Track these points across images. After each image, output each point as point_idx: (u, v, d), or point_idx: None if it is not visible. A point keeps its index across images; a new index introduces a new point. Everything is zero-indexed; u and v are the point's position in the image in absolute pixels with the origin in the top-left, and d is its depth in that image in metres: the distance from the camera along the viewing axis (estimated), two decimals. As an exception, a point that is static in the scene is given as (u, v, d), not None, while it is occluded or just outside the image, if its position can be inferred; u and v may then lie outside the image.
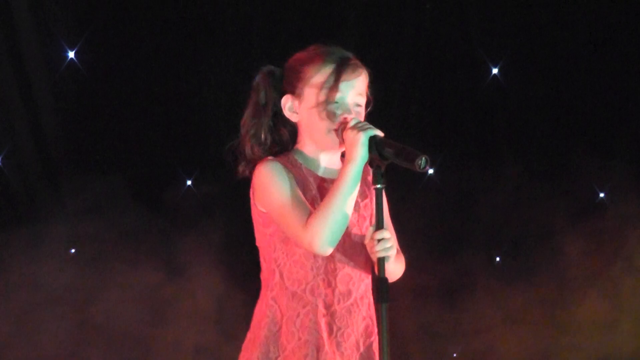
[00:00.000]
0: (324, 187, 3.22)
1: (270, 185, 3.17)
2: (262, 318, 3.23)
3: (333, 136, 3.21)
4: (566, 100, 5.37)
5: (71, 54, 5.33)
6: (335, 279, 3.21)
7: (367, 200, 3.28)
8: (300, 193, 3.17)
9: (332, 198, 3.10)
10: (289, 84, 3.26)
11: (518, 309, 5.31)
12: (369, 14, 5.40)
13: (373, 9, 5.40)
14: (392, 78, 5.39)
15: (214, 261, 5.26)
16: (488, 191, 5.35)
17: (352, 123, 3.15)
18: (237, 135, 3.31)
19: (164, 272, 5.24)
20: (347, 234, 3.17)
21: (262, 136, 3.27)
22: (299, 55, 3.29)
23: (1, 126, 5.27)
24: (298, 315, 3.20)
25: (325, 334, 3.20)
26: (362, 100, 3.26)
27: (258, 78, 3.30)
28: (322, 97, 3.20)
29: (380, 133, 3.13)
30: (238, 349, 3.30)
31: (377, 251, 3.10)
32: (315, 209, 3.13)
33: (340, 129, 3.18)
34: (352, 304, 3.24)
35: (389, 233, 3.13)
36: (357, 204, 3.20)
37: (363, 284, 3.26)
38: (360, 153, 3.10)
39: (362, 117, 3.24)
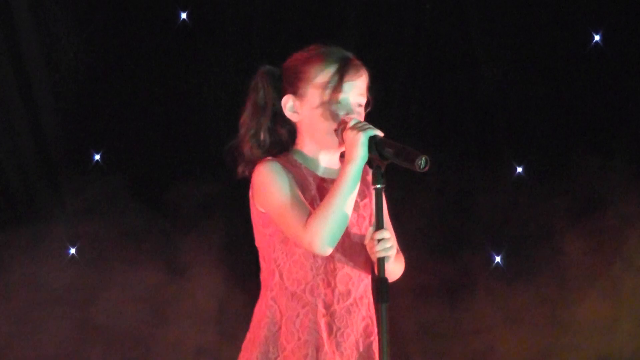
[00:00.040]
0: (323, 187, 3.23)
1: (270, 186, 3.18)
2: (262, 318, 3.23)
3: (334, 136, 3.21)
4: (566, 100, 5.37)
5: (72, 54, 5.33)
6: (334, 279, 3.21)
7: (367, 200, 3.28)
8: (299, 193, 3.17)
9: (332, 198, 3.10)
10: (290, 83, 3.26)
11: (518, 308, 5.31)
12: (369, 14, 5.40)
13: (373, 9, 5.40)
14: (392, 78, 5.39)
15: (214, 261, 5.26)
16: (488, 191, 5.34)
17: (351, 123, 3.16)
18: (237, 135, 3.31)
19: (165, 272, 5.24)
20: (346, 234, 3.17)
21: (262, 136, 3.27)
22: (300, 55, 3.29)
23: (1, 126, 5.27)
24: (298, 315, 3.20)
25: (324, 334, 3.20)
26: (364, 101, 3.27)
27: (257, 78, 3.30)
28: (325, 97, 3.20)
29: (380, 133, 3.13)
30: (238, 349, 3.30)
31: (377, 251, 3.11)
32: (314, 209, 3.14)
33: (340, 129, 3.18)
34: (351, 304, 3.24)
35: (389, 233, 3.13)
36: (356, 204, 3.21)
37: (362, 283, 3.26)
38: (360, 153, 3.10)
39: (362, 118, 3.25)
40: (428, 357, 5.41)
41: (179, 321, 5.26)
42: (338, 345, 3.22)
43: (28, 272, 5.18)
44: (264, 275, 3.28)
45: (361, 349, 3.25)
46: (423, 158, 3.03)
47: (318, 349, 3.19)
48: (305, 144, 3.27)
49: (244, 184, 3.30)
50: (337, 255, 3.20)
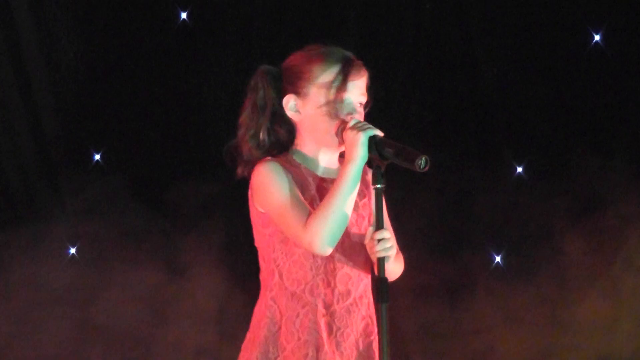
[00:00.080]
0: (323, 187, 3.23)
1: (270, 186, 3.18)
2: (262, 318, 3.23)
3: (335, 136, 3.21)
4: (566, 100, 5.37)
5: (72, 54, 5.33)
6: (334, 278, 3.21)
7: (366, 200, 3.28)
8: (299, 193, 3.17)
9: (332, 198, 3.10)
10: (291, 83, 3.25)
11: (518, 308, 5.30)
12: (369, 14, 5.40)
13: (373, 9, 5.40)
14: (392, 78, 5.39)
15: (214, 261, 5.26)
16: (488, 191, 5.34)
17: (351, 123, 3.16)
18: (236, 135, 3.30)
19: (165, 272, 5.24)
20: (346, 234, 3.17)
21: (261, 136, 3.27)
22: (300, 54, 3.28)
23: (1, 126, 5.27)
24: (297, 315, 3.20)
25: (324, 334, 3.20)
26: (364, 100, 3.27)
27: (256, 78, 3.30)
28: (331, 96, 3.20)
29: (380, 133, 3.13)
30: (238, 349, 3.30)
31: (378, 251, 3.11)
32: (314, 209, 3.14)
33: (340, 129, 3.19)
34: (351, 304, 3.24)
35: (389, 233, 3.13)
36: (355, 204, 3.21)
37: (362, 283, 3.26)
38: (360, 153, 3.10)
39: (362, 117, 3.25)
40: (428, 357, 5.41)
41: (179, 321, 5.26)
42: (338, 345, 3.22)
43: (28, 272, 5.18)
44: (263, 276, 3.28)
45: (361, 348, 3.25)
46: (423, 158, 3.04)
47: (318, 348, 3.19)
48: (305, 144, 3.27)
49: (244, 184, 3.30)
50: (337, 255, 3.21)
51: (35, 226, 5.21)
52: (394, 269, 3.27)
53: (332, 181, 3.19)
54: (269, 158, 3.24)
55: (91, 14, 5.34)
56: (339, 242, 3.14)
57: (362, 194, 3.26)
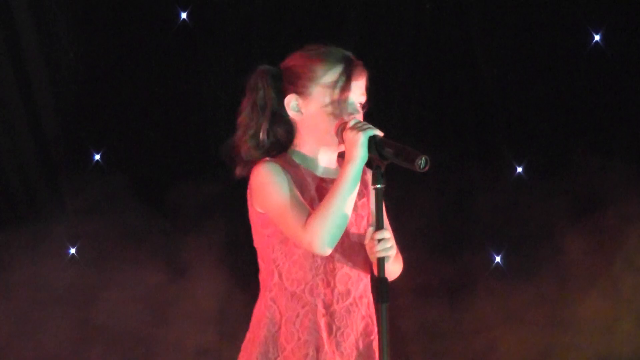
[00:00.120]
0: (322, 187, 3.23)
1: (269, 186, 3.17)
2: (261, 318, 3.23)
3: (335, 136, 3.21)
4: (566, 100, 5.37)
5: (72, 54, 5.34)
6: (334, 278, 3.21)
7: (364, 200, 3.28)
8: (298, 193, 3.17)
9: (332, 198, 3.10)
10: (293, 83, 3.25)
11: (518, 308, 5.31)
12: (369, 14, 5.40)
13: (373, 9, 5.40)
14: (392, 78, 5.39)
15: (215, 261, 5.26)
16: (488, 191, 5.34)
17: (351, 123, 3.16)
18: (233, 135, 3.30)
19: (165, 272, 5.24)
20: (345, 234, 3.17)
21: (261, 137, 3.27)
22: (302, 54, 3.28)
23: (1, 126, 5.27)
24: (297, 316, 3.20)
25: (324, 334, 3.20)
26: (364, 100, 3.28)
27: (255, 78, 3.29)
28: (335, 96, 3.20)
29: (380, 133, 3.13)
30: (239, 350, 3.30)
31: (378, 251, 3.11)
32: (313, 209, 3.14)
33: (340, 129, 3.19)
34: (351, 304, 3.24)
35: (389, 233, 3.13)
36: (354, 204, 3.20)
37: (362, 283, 3.26)
38: (359, 153, 3.10)
39: (361, 117, 3.25)
40: (428, 357, 5.41)
41: (180, 321, 5.26)
42: (338, 345, 3.22)
43: (28, 272, 5.18)
44: (262, 276, 3.28)
45: (361, 348, 3.25)
46: (423, 158, 3.04)
47: (318, 349, 3.19)
48: (305, 144, 3.27)
49: (244, 184, 3.29)
50: (337, 255, 3.21)
51: (35, 226, 5.21)
52: (394, 268, 3.27)
53: (332, 181, 3.19)
54: (267, 159, 3.24)
55: (91, 14, 5.35)
56: (338, 242, 3.14)
57: (361, 194, 3.26)
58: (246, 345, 3.27)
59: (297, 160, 3.26)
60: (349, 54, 3.27)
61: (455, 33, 5.43)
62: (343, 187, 3.11)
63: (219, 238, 5.28)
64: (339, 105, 3.20)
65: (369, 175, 3.19)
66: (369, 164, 3.14)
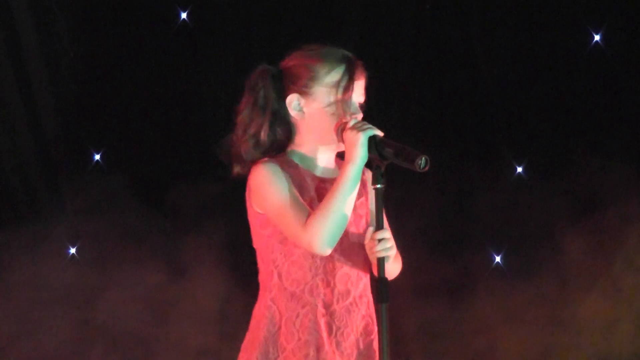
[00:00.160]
0: (321, 187, 3.22)
1: (268, 187, 3.17)
2: (261, 319, 3.23)
3: (336, 136, 3.21)
4: (566, 100, 5.37)
5: (72, 54, 5.34)
6: (334, 278, 3.21)
7: (363, 199, 3.28)
8: (297, 194, 3.17)
9: (332, 198, 3.10)
10: (294, 82, 3.24)
11: (518, 308, 5.31)
12: (369, 14, 5.40)
13: (373, 9, 5.40)
14: (392, 78, 5.39)
15: (215, 261, 5.25)
16: (488, 191, 5.35)
17: (351, 123, 3.16)
18: (230, 135, 3.29)
19: (165, 272, 5.24)
20: (344, 234, 3.17)
21: (262, 136, 3.26)
22: (302, 54, 3.28)
23: (1, 126, 5.27)
24: (297, 316, 3.20)
25: (325, 334, 3.20)
26: (363, 100, 3.28)
27: (256, 77, 3.29)
28: (338, 96, 3.20)
29: (380, 133, 3.13)
30: (239, 350, 3.29)
31: (378, 251, 3.11)
32: (313, 209, 3.14)
33: (340, 129, 3.19)
34: (351, 303, 3.24)
35: (389, 233, 3.13)
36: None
37: (361, 282, 3.26)
38: (359, 154, 3.10)
39: (360, 117, 3.25)
40: (428, 357, 5.41)
41: (180, 321, 5.26)
42: (338, 344, 3.22)
43: (28, 272, 5.18)
44: (262, 277, 3.27)
45: (361, 347, 3.25)
46: (423, 158, 3.04)
47: (319, 348, 3.19)
48: (304, 144, 3.27)
49: (244, 184, 3.29)
50: (336, 255, 3.20)
51: (35, 226, 5.21)
52: (393, 268, 3.27)
53: (331, 181, 3.19)
54: (266, 159, 3.23)
55: (91, 14, 5.35)
56: (337, 242, 3.14)
57: (359, 194, 3.26)
58: (246, 346, 3.27)
59: (295, 160, 3.26)
60: (348, 53, 3.27)
61: (455, 33, 5.43)
62: (343, 187, 3.11)
63: (219, 238, 5.28)
64: (342, 105, 3.20)
65: (367, 175, 3.19)
66: (368, 164, 3.14)
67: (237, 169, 3.28)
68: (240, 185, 3.36)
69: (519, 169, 5.42)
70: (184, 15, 5.37)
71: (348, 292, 3.23)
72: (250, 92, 3.28)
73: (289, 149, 3.28)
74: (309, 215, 3.11)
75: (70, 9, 5.32)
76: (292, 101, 3.25)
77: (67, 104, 5.34)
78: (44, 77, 5.31)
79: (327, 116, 3.22)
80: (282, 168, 3.19)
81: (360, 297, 3.26)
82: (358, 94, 3.25)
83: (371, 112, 3.30)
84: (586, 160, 5.25)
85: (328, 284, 3.21)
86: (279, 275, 3.22)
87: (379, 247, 3.11)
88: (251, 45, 5.36)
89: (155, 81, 5.33)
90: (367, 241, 3.15)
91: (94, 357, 5.24)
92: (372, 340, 3.27)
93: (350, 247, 3.23)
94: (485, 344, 5.35)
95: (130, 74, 5.33)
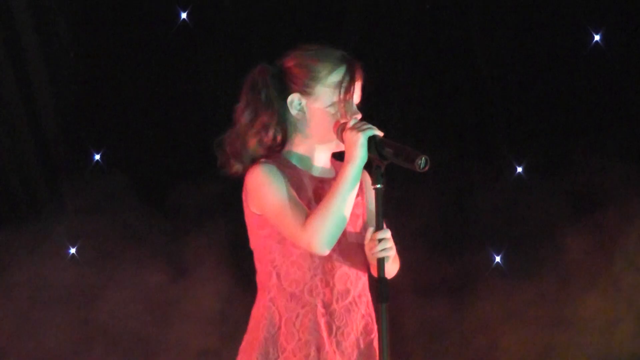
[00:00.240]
0: (319, 187, 3.22)
1: (266, 188, 3.17)
2: (260, 320, 3.23)
3: (335, 136, 3.22)
4: (566, 99, 5.37)
5: (72, 54, 5.34)
6: (333, 278, 3.21)
7: (359, 199, 3.27)
8: (295, 194, 3.17)
9: (332, 198, 3.10)
10: (296, 82, 3.24)
11: (519, 308, 5.31)
12: (369, 14, 5.40)
13: (373, 9, 5.40)
14: (392, 78, 5.39)
15: (216, 262, 5.25)
16: (488, 191, 5.35)
17: (351, 123, 3.16)
18: (227, 134, 3.29)
19: (166, 272, 5.24)
20: (342, 233, 3.17)
21: (268, 134, 3.26)
22: (302, 54, 3.27)
23: (1, 126, 5.27)
24: (297, 316, 3.20)
25: (325, 334, 3.20)
26: (359, 101, 3.29)
27: (256, 77, 3.28)
28: (340, 96, 3.21)
29: (380, 133, 3.13)
30: (238, 352, 3.29)
31: (378, 251, 3.11)
32: (311, 209, 3.14)
33: (340, 129, 3.19)
34: (350, 303, 3.24)
35: (389, 233, 3.13)
36: (351, 203, 3.21)
37: (360, 282, 3.26)
38: (359, 154, 3.10)
39: (359, 117, 3.26)
40: (428, 357, 5.41)
41: (181, 322, 5.26)
42: (338, 344, 3.22)
43: (28, 272, 5.18)
44: (260, 277, 3.27)
45: (362, 347, 3.25)
46: (423, 158, 3.04)
47: (319, 348, 3.19)
48: (302, 144, 3.27)
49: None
50: (335, 255, 3.20)
51: (35, 226, 5.21)
52: (392, 268, 3.27)
53: (328, 181, 3.19)
54: (262, 160, 3.23)
55: (91, 14, 5.35)
56: (336, 242, 3.14)
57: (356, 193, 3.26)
58: (244, 347, 3.27)
59: (292, 160, 3.25)
60: (345, 53, 3.27)
61: (455, 33, 5.43)
62: (343, 187, 3.10)
63: (220, 238, 5.27)
64: (343, 105, 3.21)
65: (364, 174, 3.20)
66: (368, 164, 3.14)
67: (235, 168, 3.27)
68: (241, 186, 3.36)
69: (519, 169, 5.42)
70: (184, 15, 5.37)
71: (347, 292, 3.23)
72: (251, 91, 3.28)
73: (285, 150, 3.28)
74: (308, 216, 3.11)
75: (70, 9, 5.33)
76: (293, 100, 3.25)
77: (67, 104, 5.34)
78: (44, 77, 5.31)
79: (327, 116, 3.22)
80: (279, 169, 3.19)
81: (360, 296, 3.26)
82: (357, 95, 3.26)
83: (371, 112, 3.30)
84: (586, 160, 5.25)
85: (327, 284, 3.21)
86: (278, 276, 3.21)
87: (379, 247, 3.11)
88: (251, 45, 5.36)
89: (155, 81, 5.33)
90: (367, 241, 3.15)
91: (94, 357, 5.24)
92: (372, 340, 3.27)
93: (349, 247, 3.23)
94: (486, 344, 5.35)
95: (130, 74, 5.33)
